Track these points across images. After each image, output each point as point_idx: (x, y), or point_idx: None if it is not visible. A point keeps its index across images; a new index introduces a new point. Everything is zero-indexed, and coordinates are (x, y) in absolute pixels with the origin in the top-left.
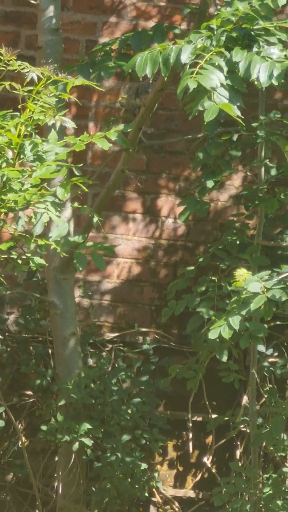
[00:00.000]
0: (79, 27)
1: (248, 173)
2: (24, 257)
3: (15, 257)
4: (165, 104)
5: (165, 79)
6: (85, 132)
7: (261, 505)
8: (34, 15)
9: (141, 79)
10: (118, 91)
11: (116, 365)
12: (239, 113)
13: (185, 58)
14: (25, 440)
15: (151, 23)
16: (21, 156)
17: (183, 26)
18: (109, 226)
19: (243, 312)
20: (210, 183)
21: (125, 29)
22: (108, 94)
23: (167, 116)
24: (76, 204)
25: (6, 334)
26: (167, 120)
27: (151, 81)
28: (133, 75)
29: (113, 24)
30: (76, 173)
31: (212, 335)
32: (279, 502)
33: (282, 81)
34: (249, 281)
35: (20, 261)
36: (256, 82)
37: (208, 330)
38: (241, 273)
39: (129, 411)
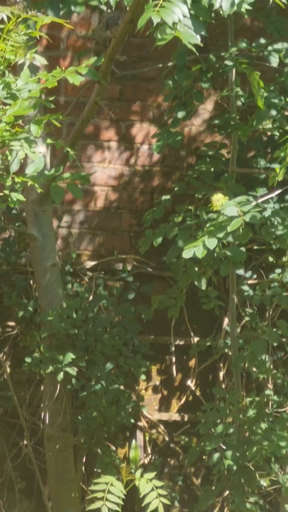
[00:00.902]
0: None
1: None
2: (1, 194)
3: None
4: (136, 31)
5: (133, 9)
6: (57, 67)
7: (245, 428)
8: None
9: (106, 9)
10: (89, 21)
11: (98, 294)
12: (198, 42)
13: None
14: (10, 371)
15: None
16: None
17: None
18: (85, 155)
19: (220, 235)
20: (181, 114)
21: None
22: (79, 24)
23: (139, 43)
24: (49, 140)
25: None
26: (139, 47)
27: (120, 13)
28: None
29: None
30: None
31: (186, 254)
32: (263, 425)
33: (247, 7)
34: (226, 205)
35: None
36: (220, 11)
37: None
38: (218, 198)
39: (112, 339)
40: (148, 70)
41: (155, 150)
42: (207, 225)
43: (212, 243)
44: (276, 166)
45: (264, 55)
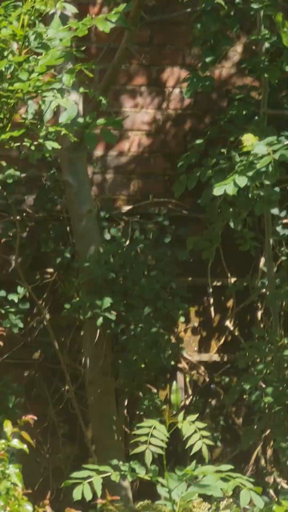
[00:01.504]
0: None
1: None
2: (36, 143)
3: (28, 144)
4: None
5: None
6: (87, 14)
7: (284, 366)
8: None
9: None
10: None
11: (134, 238)
12: None
13: None
14: (50, 318)
15: None
16: (26, 45)
17: None
18: (117, 101)
19: (250, 173)
20: (209, 59)
21: None
22: None
23: None
24: (82, 89)
25: (24, 215)
26: None
27: None
28: None
29: None
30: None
31: (217, 191)
32: None
33: None
34: (255, 144)
35: (33, 148)
36: None
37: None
38: (248, 138)
39: (150, 282)
40: (177, 14)
41: (185, 94)
42: (238, 164)
43: (242, 181)
44: None
45: None
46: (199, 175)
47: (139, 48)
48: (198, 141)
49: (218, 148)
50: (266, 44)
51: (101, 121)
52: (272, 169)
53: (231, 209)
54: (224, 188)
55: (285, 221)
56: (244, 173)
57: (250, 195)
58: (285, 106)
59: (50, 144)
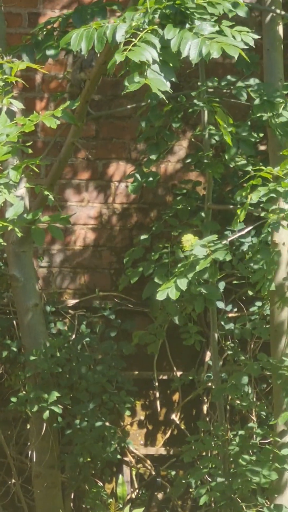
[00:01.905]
0: (20, 0)
1: (193, 140)
2: None
3: None
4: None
5: (106, 52)
6: (33, 110)
7: (230, 461)
8: None
9: (75, 54)
10: (64, 62)
11: (80, 331)
12: (167, 88)
13: (119, 36)
14: None
15: None
16: None
17: None
18: (63, 195)
19: (190, 275)
20: (154, 156)
21: (66, 0)
22: (53, 65)
23: (113, 82)
24: (28, 185)
25: None
26: (113, 86)
27: (94, 56)
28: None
29: None
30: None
31: (160, 296)
32: (247, 457)
33: (215, 55)
34: (195, 245)
35: None
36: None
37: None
38: (188, 239)
39: (96, 376)
40: (122, 109)
41: (130, 191)
42: (179, 265)
43: (183, 283)
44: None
45: (234, 92)
46: (141, 270)
47: (85, 142)
48: (143, 237)
49: (163, 243)
50: (212, 140)
51: (47, 218)
52: (212, 270)
53: (176, 304)
54: (166, 292)
55: (230, 315)
56: (185, 274)
57: (192, 292)
58: (230, 201)
59: None
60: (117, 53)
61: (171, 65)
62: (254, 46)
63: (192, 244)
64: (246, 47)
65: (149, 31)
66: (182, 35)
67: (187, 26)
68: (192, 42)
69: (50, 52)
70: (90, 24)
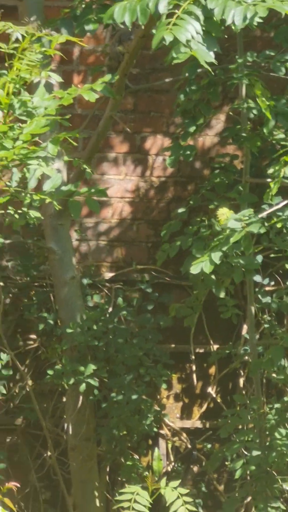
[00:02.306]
0: None
1: (230, 113)
2: (20, 211)
3: (12, 212)
4: (148, 44)
5: (145, 25)
6: (71, 82)
7: (266, 434)
8: None
9: (114, 27)
10: (102, 35)
11: (117, 304)
12: (212, 59)
13: (162, 8)
14: (32, 384)
15: None
16: (11, 113)
17: None
18: (101, 168)
19: (224, 248)
20: (192, 129)
21: None
22: (92, 38)
23: (151, 56)
24: (66, 158)
25: (8, 281)
26: (152, 60)
27: (133, 29)
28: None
29: None
30: (65, 125)
31: (194, 270)
32: (283, 431)
33: (259, 20)
34: (230, 219)
35: (17, 216)
36: (233, 26)
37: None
38: (223, 212)
39: (132, 349)
40: (161, 83)
41: (168, 164)
42: (214, 239)
43: (217, 256)
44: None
45: (272, 65)
46: (179, 244)
47: (123, 116)
48: (181, 210)
49: (200, 216)
50: (249, 113)
51: (85, 190)
52: (246, 242)
53: (213, 277)
54: (200, 266)
55: (267, 288)
56: (219, 248)
57: (232, 264)
58: (268, 175)
59: (33, 214)
60: (160, 28)
61: (213, 35)
62: None
63: (227, 217)
64: None
65: (192, 2)
66: (225, 4)
67: None
68: (236, 9)
69: (89, 27)
70: None
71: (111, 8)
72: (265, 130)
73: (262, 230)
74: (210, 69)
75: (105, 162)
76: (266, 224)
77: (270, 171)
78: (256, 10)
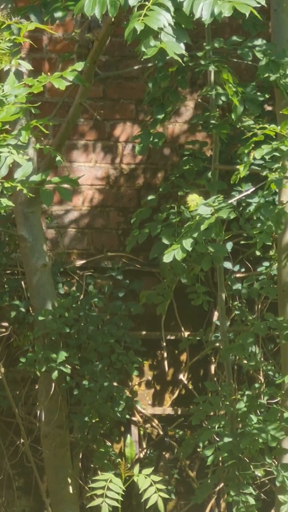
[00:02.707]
0: None
1: (199, 100)
2: None
3: None
4: (117, 31)
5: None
6: (41, 69)
7: (238, 420)
8: None
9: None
10: (71, 22)
11: (88, 291)
12: (182, 51)
13: (132, 0)
14: (5, 371)
15: None
16: None
17: None
18: (71, 155)
19: (195, 235)
20: (160, 116)
21: None
22: (61, 26)
23: (120, 43)
24: (37, 146)
25: None
26: (121, 47)
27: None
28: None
29: None
30: (34, 112)
31: (167, 258)
32: (254, 418)
33: (226, 14)
34: (200, 205)
35: None
36: (202, 19)
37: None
38: (193, 198)
39: (104, 336)
40: (130, 70)
41: (137, 152)
42: (185, 226)
43: (188, 243)
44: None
45: (240, 51)
46: (149, 231)
47: (92, 103)
48: (151, 197)
49: (170, 203)
50: (218, 100)
51: (56, 179)
52: (217, 229)
53: (183, 264)
54: (173, 253)
55: (238, 275)
56: (190, 234)
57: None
58: (237, 162)
59: (4, 202)
60: (132, 19)
61: (183, 27)
62: (266, 5)
63: (197, 203)
64: (257, 5)
65: None
66: None
67: None
68: (205, 3)
69: (58, 14)
70: None
71: (81, 1)
72: (233, 116)
73: (232, 216)
74: (180, 60)
75: (75, 150)
76: (236, 210)
77: (240, 154)
78: (221, 8)
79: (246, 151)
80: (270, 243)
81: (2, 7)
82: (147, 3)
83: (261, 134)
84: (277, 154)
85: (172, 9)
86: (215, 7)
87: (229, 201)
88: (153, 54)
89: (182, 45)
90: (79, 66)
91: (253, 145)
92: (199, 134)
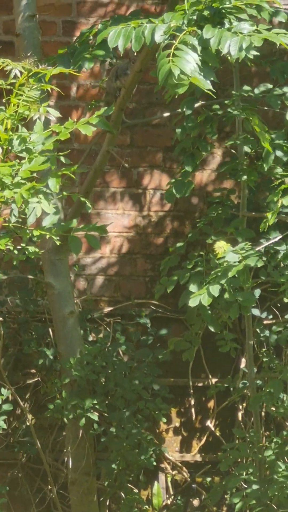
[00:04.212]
0: (55, 8)
1: (227, 147)
2: (19, 247)
3: (11, 248)
4: (144, 78)
5: (142, 59)
6: (69, 118)
7: (266, 467)
8: (9, 0)
9: (115, 60)
10: (98, 70)
11: (116, 339)
12: (210, 87)
13: (158, 37)
14: (32, 418)
15: (125, 2)
16: (10, 149)
17: (154, 7)
18: (99, 202)
19: (222, 281)
20: (190, 168)
21: (100, 9)
22: (88, 73)
23: (148, 90)
24: (65, 193)
25: (7, 316)
26: (148, 94)
27: (129, 63)
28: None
29: (88, 4)
30: (64, 161)
31: (193, 302)
32: (282, 465)
33: (254, 52)
34: (227, 252)
35: (16, 252)
36: (228, 57)
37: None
38: (221, 245)
39: (132, 383)
40: (157, 117)
41: (167, 199)
42: (212, 272)
43: (215, 289)
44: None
45: (268, 99)
46: (177, 278)
47: (120, 151)
48: (179, 244)
49: (198, 251)
50: (246, 148)
51: (85, 227)
52: (244, 276)
53: (209, 312)
54: (199, 298)
55: (266, 322)
56: (217, 281)
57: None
58: (265, 209)
59: (32, 249)
60: (160, 59)
61: (210, 65)
62: None
63: (224, 250)
64: (287, 42)
65: (188, 33)
66: (221, 34)
67: (226, 26)
68: (232, 40)
69: (85, 65)
70: (128, 23)
71: (105, 31)
72: (265, 165)
73: (260, 264)
74: (211, 94)
75: (102, 198)
76: (264, 258)
77: (269, 201)
78: (251, 40)
79: (275, 199)
80: None
81: (29, 54)
82: (174, 41)
83: None
84: None
85: (199, 48)
86: (243, 42)
87: (257, 249)
88: (183, 91)
89: (208, 82)
90: (106, 112)
91: (281, 193)
92: (226, 181)
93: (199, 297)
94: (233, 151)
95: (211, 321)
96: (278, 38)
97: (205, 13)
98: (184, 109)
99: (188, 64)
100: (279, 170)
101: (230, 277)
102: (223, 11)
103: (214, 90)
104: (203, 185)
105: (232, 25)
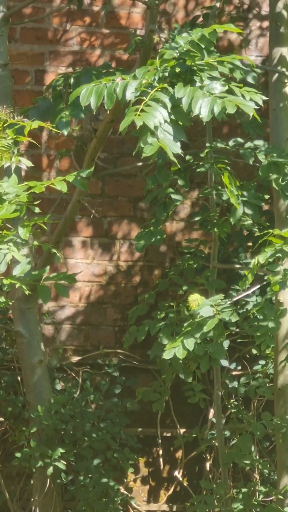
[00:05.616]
0: (27, 58)
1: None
2: None
3: None
4: (116, 128)
5: (114, 110)
6: (40, 169)
7: None
8: None
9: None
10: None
11: (84, 388)
12: (179, 151)
13: (129, 94)
14: (0, 466)
15: (96, 50)
16: None
17: (127, 56)
18: (68, 251)
19: (197, 335)
20: (162, 216)
21: (72, 57)
22: None
23: (119, 140)
24: (36, 242)
25: None
26: (119, 144)
27: (100, 109)
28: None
29: (60, 53)
30: (35, 212)
31: (167, 355)
32: None
33: (228, 112)
34: (202, 305)
35: None
36: (200, 117)
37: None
38: (195, 298)
39: (100, 433)
40: (128, 167)
41: (137, 249)
42: (185, 324)
43: (190, 343)
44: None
45: (241, 152)
46: (148, 329)
47: (90, 200)
48: (148, 294)
49: (168, 301)
50: (218, 199)
51: (54, 275)
52: (218, 330)
53: (181, 361)
54: (173, 351)
55: (234, 373)
56: (192, 334)
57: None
58: (235, 260)
59: (2, 299)
60: (128, 113)
61: (181, 124)
62: (262, 105)
63: (199, 303)
64: (256, 107)
65: (159, 89)
66: (193, 94)
67: (197, 84)
68: (203, 100)
69: (63, 130)
70: (100, 80)
71: (77, 89)
72: (232, 220)
73: (234, 318)
74: (176, 162)
75: (72, 246)
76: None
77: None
78: (224, 104)
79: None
80: (274, 345)
81: (5, 106)
82: (144, 98)
83: (268, 243)
84: (280, 255)
85: (169, 105)
86: (214, 105)
87: (229, 302)
88: (151, 153)
89: (178, 143)
90: (84, 172)
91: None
92: (195, 232)
93: (173, 350)
94: (204, 202)
95: (182, 370)
96: (250, 108)
97: (177, 69)
98: (156, 159)
99: (154, 119)
100: (249, 221)
101: (206, 331)
102: (195, 68)
103: (181, 153)
104: (173, 235)
105: (204, 84)
